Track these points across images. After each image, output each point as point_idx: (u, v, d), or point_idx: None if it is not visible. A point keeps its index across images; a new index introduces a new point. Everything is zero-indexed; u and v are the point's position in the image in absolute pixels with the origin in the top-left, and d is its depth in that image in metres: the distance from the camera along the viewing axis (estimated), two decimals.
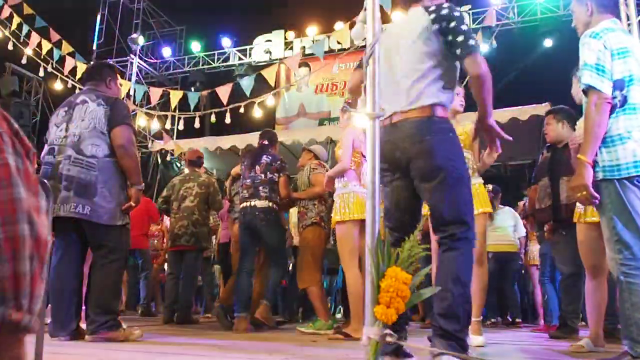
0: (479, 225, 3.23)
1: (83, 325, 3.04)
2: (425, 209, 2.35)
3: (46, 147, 3.16)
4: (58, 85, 9.25)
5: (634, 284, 2.06)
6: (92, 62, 10.41)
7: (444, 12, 2.13)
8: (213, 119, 8.02)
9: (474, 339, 3.13)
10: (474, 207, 3.18)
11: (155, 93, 8.46)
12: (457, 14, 2.13)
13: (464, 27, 2.10)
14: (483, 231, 3.32)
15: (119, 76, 3.59)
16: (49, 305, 3.03)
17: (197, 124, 7.97)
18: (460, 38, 2.08)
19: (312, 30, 11.90)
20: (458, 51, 2.10)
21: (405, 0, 2.32)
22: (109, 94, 3.25)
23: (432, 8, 2.17)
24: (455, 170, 2.07)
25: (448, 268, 2.01)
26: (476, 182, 3.33)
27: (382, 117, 2.11)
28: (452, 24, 2.10)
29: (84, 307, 3.12)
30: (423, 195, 2.13)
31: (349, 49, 9.85)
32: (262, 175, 4.33)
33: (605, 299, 3.05)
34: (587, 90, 2.18)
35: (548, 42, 10.20)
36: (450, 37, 2.10)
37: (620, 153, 2.12)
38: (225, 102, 7.50)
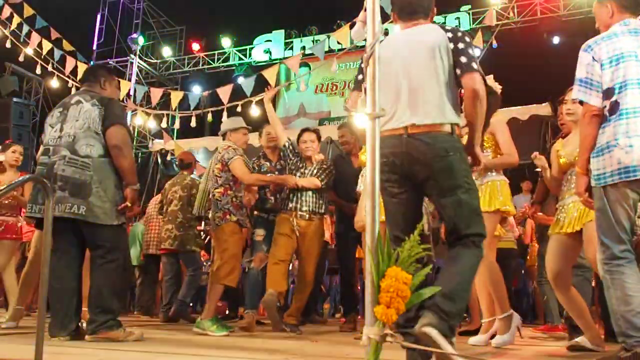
0: (491, 222, 3.20)
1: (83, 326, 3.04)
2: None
3: (41, 148, 3.16)
4: (58, 85, 9.24)
5: (616, 278, 2.18)
6: (92, 62, 10.45)
7: (460, 34, 2.21)
8: (210, 117, 8.03)
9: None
10: (493, 204, 3.21)
11: (156, 93, 8.46)
12: (468, 39, 2.21)
13: (470, 51, 2.18)
14: (492, 229, 3.27)
15: (116, 77, 3.58)
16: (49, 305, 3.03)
17: (193, 123, 7.95)
18: (464, 59, 2.16)
19: (312, 30, 11.89)
20: (459, 71, 2.16)
21: (412, 14, 2.31)
22: (104, 95, 3.24)
23: (449, 28, 2.24)
24: (468, 185, 2.15)
25: (466, 259, 2.09)
26: (498, 179, 3.33)
27: (385, 121, 2.13)
28: (461, 45, 2.18)
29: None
30: (440, 208, 2.19)
31: (349, 49, 9.83)
32: None
33: (583, 300, 3.06)
34: (580, 104, 2.33)
35: (548, 42, 10.19)
36: (456, 58, 2.17)
37: (606, 161, 2.20)
38: (225, 103, 7.50)
